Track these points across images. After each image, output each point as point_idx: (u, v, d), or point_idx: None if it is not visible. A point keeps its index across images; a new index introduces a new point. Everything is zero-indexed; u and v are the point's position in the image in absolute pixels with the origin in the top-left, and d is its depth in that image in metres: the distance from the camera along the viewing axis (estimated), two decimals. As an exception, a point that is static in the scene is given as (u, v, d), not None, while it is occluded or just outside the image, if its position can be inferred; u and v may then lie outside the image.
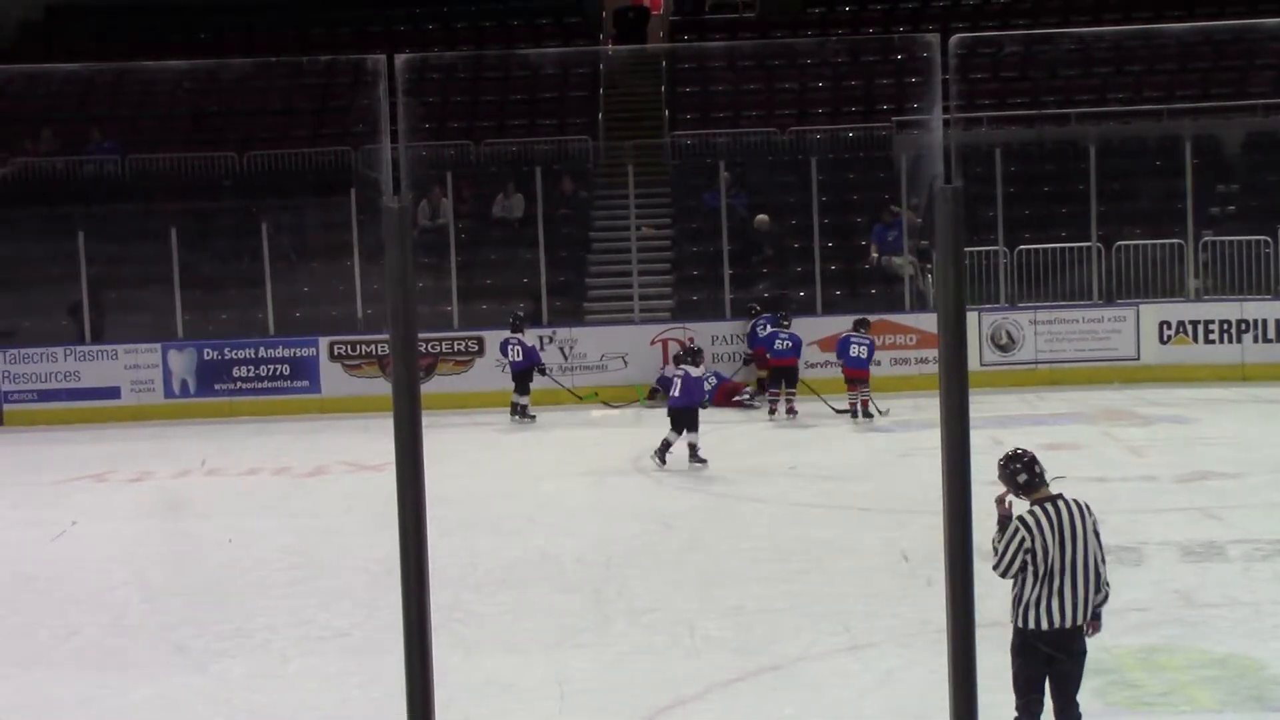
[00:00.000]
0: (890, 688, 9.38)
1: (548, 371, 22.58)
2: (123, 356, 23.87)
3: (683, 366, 18.41)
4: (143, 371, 23.84)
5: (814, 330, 23.07)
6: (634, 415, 22.55)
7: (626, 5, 33.27)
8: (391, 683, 5.99)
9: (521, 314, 23.10)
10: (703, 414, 18.47)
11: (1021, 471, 7.48)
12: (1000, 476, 7.56)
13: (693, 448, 17.85)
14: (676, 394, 18.11)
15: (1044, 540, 7.32)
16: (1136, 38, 28.86)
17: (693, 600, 11.57)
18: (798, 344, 21.81)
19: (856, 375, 21.30)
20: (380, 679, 9.36)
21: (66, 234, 24.11)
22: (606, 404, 23.20)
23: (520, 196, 26.41)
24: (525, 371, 22.18)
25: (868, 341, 21.47)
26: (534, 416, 22.01)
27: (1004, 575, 7.45)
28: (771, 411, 21.79)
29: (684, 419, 17.96)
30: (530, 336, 22.60)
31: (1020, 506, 7.49)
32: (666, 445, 17.87)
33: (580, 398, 23.18)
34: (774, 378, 21.92)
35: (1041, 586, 7.35)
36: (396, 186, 5.34)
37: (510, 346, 22.28)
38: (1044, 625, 7.37)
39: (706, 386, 20.15)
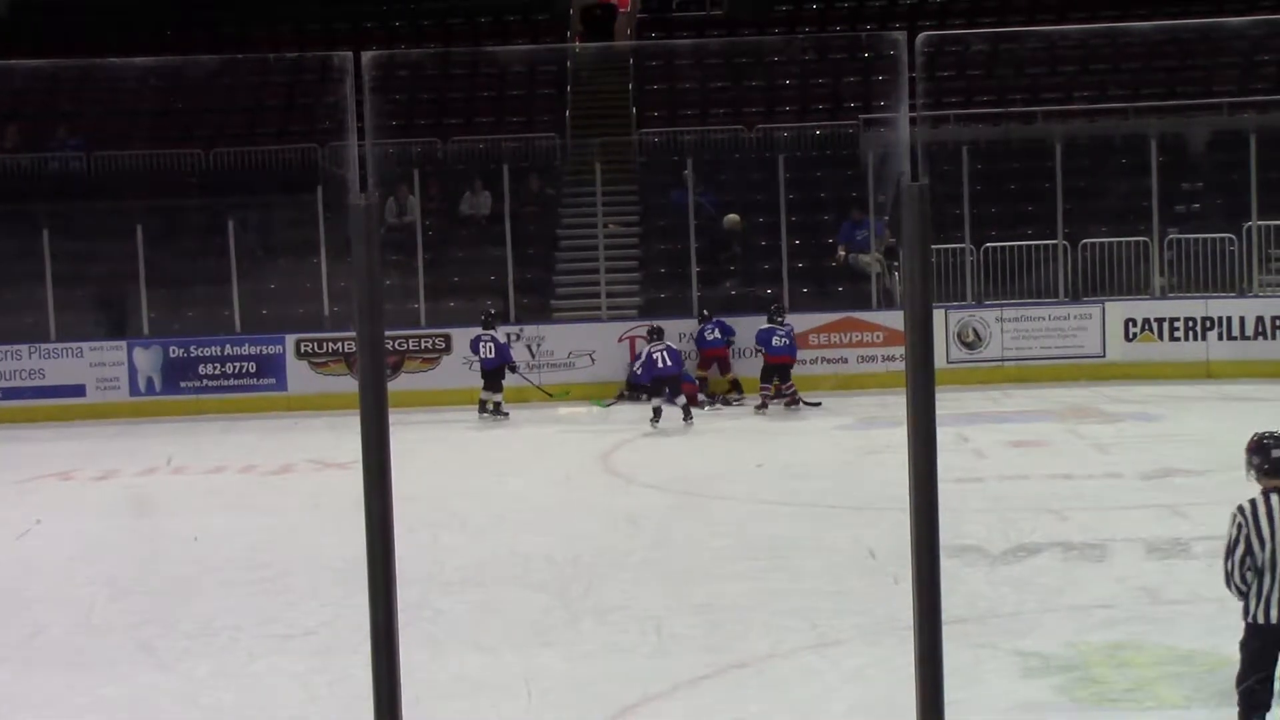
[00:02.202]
0: (857, 685, 9.40)
1: (518, 369, 22.51)
2: (88, 354, 23.74)
3: (664, 342, 21.45)
4: (108, 369, 23.72)
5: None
6: (602, 413, 22.53)
7: (594, 2, 33.26)
8: (358, 681, 5.99)
9: (493, 311, 23.07)
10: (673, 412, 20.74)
11: (1275, 449, 7.29)
12: (1249, 446, 7.38)
13: (685, 409, 20.67)
14: (668, 364, 21.00)
15: (1259, 529, 7.19)
16: (1102, 36, 28.97)
17: (660, 598, 11.58)
18: (794, 340, 22.25)
19: (783, 362, 22.15)
20: (347, 677, 9.34)
21: (31, 231, 23.97)
22: (577, 400, 23.15)
23: (487, 194, 26.36)
24: (497, 369, 22.11)
25: (788, 329, 22.39)
26: (507, 414, 21.96)
27: (1226, 570, 7.33)
28: (762, 407, 21.89)
29: (672, 386, 20.83)
30: (499, 334, 22.55)
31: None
32: (658, 411, 20.60)
33: (550, 395, 23.07)
34: (767, 373, 22.10)
35: (1262, 578, 7.19)
36: (363, 184, 5.35)
37: (482, 344, 22.20)
38: (1273, 619, 7.22)
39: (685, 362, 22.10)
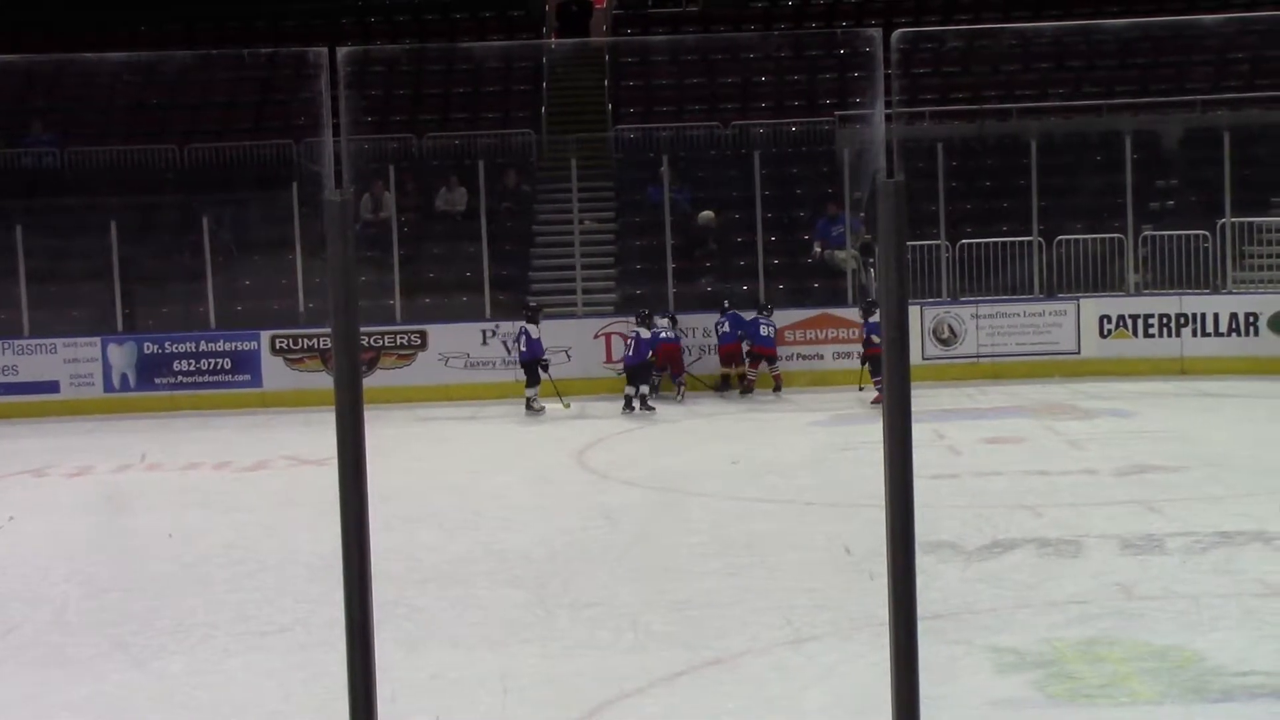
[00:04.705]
0: (832, 681, 9.41)
1: (548, 367, 22.11)
2: (61, 350, 23.66)
3: (635, 329, 22.35)
4: (82, 365, 23.64)
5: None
6: (579, 409, 22.50)
7: (569, -1, 33.26)
8: (334, 678, 5.97)
9: (534, 304, 22.91)
10: (660, 409, 21.88)
11: None
12: None
13: (643, 398, 21.63)
14: (631, 354, 22.04)
15: None
16: (1077, 34, 29.04)
17: (636, 595, 11.58)
18: (775, 332, 23.15)
19: (766, 352, 23.08)
20: (323, 675, 9.32)
21: (4, 227, 23.86)
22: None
23: (463, 190, 26.33)
24: (529, 363, 21.97)
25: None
26: (543, 409, 21.81)
27: None
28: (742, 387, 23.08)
29: (637, 374, 21.82)
30: (534, 329, 22.17)
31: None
32: (628, 399, 21.70)
33: (564, 404, 22.46)
34: (753, 361, 23.17)
35: None
36: (338, 180, 5.32)
37: (519, 336, 22.18)
38: None
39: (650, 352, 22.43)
